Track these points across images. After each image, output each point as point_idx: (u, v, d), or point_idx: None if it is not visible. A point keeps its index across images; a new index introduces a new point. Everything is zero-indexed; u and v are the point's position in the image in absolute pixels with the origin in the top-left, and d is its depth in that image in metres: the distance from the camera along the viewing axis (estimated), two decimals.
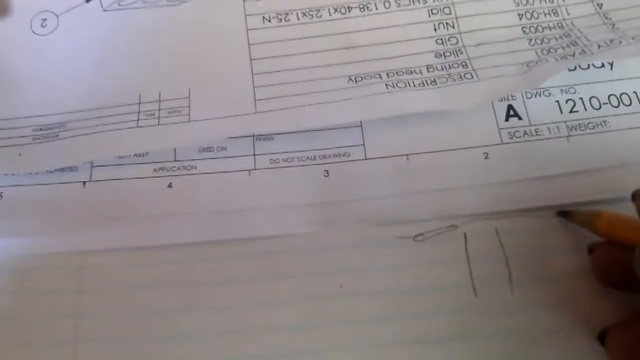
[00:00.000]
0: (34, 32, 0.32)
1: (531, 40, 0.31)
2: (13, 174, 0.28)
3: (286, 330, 0.25)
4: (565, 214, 0.26)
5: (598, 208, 0.25)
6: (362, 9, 0.32)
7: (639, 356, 0.22)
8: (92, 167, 0.29)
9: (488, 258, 0.26)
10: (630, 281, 0.21)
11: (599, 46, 0.29)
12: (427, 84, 0.29)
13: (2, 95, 0.31)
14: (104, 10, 0.32)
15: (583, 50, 0.30)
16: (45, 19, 0.32)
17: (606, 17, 0.32)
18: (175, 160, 0.29)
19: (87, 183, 0.29)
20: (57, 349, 0.25)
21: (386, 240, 0.27)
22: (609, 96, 0.30)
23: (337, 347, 0.25)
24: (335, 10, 0.32)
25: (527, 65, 0.30)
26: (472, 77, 0.29)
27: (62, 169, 0.29)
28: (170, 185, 0.28)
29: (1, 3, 0.31)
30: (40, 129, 0.30)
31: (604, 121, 0.29)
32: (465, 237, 0.27)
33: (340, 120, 0.29)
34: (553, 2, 0.32)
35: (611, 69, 0.30)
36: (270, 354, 0.25)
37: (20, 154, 0.29)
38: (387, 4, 0.32)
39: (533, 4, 0.32)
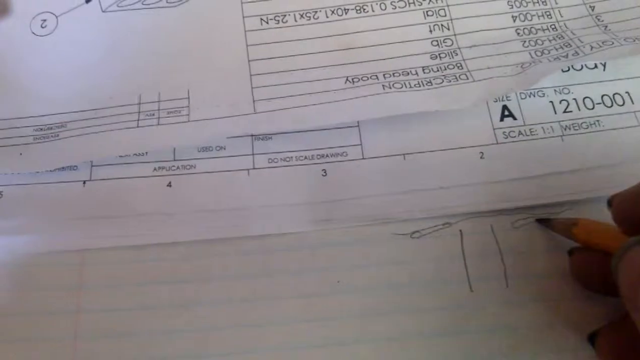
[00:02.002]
0: (33, 33, 0.32)
1: (525, 42, 0.32)
2: (14, 173, 0.29)
3: (285, 325, 0.26)
4: (544, 221, 0.27)
5: (576, 216, 0.26)
6: (359, 11, 0.33)
7: (627, 358, 0.22)
8: (92, 166, 0.29)
9: (483, 254, 0.27)
10: (607, 285, 0.21)
11: (592, 47, 0.30)
12: (423, 85, 0.30)
13: (3, 95, 0.31)
14: (103, 11, 0.32)
15: (576, 52, 0.30)
16: (45, 20, 0.32)
17: (598, 19, 0.32)
18: (175, 160, 0.29)
19: (87, 182, 0.29)
20: (58, 343, 0.25)
21: (383, 237, 0.27)
22: (602, 96, 0.30)
23: (334, 342, 0.25)
24: (332, 12, 0.33)
25: (521, 67, 0.30)
26: (467, 78, 0.30)
27: (63, 168, 0.29)
28: (169, 185, 0.29)
29: (1, 3, 0.31)
30: (41, 129, 0.30)
31: (598, 121, 0.30)
32: (461, 234, 0.27)
33: (337, 120, 0.29)
34: (546, 4, 0.33)
35: (604, 69, 0.31)
36: (270, 348, 0.25)
37: (21, 154, 0.29)
38: (383, 6, 0.33)
39: (527, 6, 0.33)
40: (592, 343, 0.24)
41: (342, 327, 0.26)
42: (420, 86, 0.30)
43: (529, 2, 0.33)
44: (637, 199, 0.22)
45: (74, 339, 0.25)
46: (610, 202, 0.23)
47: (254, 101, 0.30)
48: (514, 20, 0.32)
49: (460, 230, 0.27)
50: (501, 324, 0.25)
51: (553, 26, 0.32)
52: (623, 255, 0.20)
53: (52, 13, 0.32)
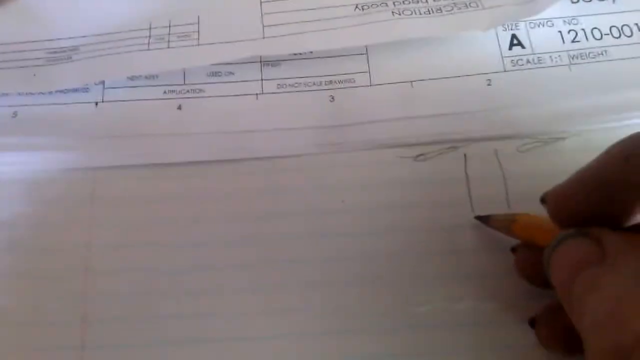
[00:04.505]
0: None
1: None
2: (27, 94, 0.29)
3: (290, 240, 0.26)
4: (482, 218, 0.26)
5: (513, 212, 0.26)
6: None
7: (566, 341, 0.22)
8: (104, 88, 0.30)
9: (486, 177, 0.27)
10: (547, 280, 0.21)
11: None
12: (433, 12, 0.30)
13: (17, 19, 0.31)
14: None
15: None
16: None
17: None
18: (185, 84, 0.30)
19: (99, 103, 0.29)
20: (70, 255, 0.26)
21: (388, 160, 0.28)
22: (610, 27, 0.30)
23: (337, 258, 0.26)
24: None
25: None
26: (477, 6, 0.30)
27: (75, 90, 0.29)
28: (179, 107, 0.29)
29: None
30: (54, 52, 0.30)
31: (605, 51, 0.30)
32: (465, 158, 0.28)
33: (346, 43, 0.29)
34: None
35: (613, 1, 0.31)
36: (274, 261, 0.26)
37: (34, 75, 0.29)
38: None
39: None
40: (533, 326, 0.23)
41: (346, 243, 0.26)
42: (430, 13, 0.30)
43: None
44: (569, 196, 0.21)
45: (87, 249, 0.26)
46: (543, 200, 0.22)
47: (263, 27, 0.30)
48: None
49: (465, 154, 0.28)
50: (502, 244, 0.26)
51: None
52: (553, 250, 0.20)
53: None
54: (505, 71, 0.29)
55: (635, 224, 0.21)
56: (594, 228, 0.20)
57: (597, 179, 0.20)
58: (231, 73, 0.30)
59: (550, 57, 0.30)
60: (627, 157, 0.19)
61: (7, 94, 0.29)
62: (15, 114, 0.29)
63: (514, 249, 0.25)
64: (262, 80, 0.30)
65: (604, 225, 0.20)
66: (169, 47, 0.30)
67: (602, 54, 0.30)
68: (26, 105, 0.29)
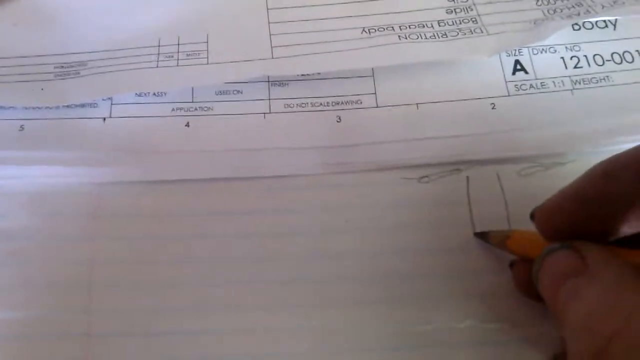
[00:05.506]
0: None
1: (538, 0, 0.32)
2: (35, 108, 0.29)
3: (293, 260, 0.26)
4: (481, 235, 0.27)
5: (510, 229, 0.26)
6: None
7: None
8: (112, 104, 0.30)
9: (488, 200, 0.27)
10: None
11: (603, 6, 0.31)
12: (438, 37, 0.31)
13: (26, 33, 0.32)
14: None
15: (587, 10, 0.31)
16: None
17: None
18: (193, 102, 0.30)
19: (107, 119, 0.30)
20: (74, 268, 0.26)
21: (392, 181, 0.28)
22: (612, 54, 0.31)
23: (339, 278, 0.26)
24: None
25: (534, 23, 0.31)
26: (482, 32, 0.31)
27: (83, 105, 0.30)
28: (187, 125, 0.29)
29: None
30: (62, 66, 0.31)
31: (607, 76, 0.30)
32: (468, 180, 0.28)
33: (353, 65, 0.30)
34: None
35: (614, 29, 0.32)
36: (278, 279, 0.26)
37: (42, 89, 0.30)
38: None
39: None
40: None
41: (348, 263, 0.26)
42: (435, 38, 0.30)
43: None
44: (554, 212, 0.22)
45: (90, 263, 0.26)
46: (532, 215, 0.23)
47: (272, 47, 0.31)
48: None
49: (467, 177, 0.28)
50: (504, 263, 0.26)
51: None
52: (541, 263, 0.21)
53: None
54: (509, 95, 0.30)
55: (620, 238, 0.21)
56: (578, 241, 0.21)
57: (579, 196, 0.21)
58: (239, 92, 0.30)
59: (553, 82, 0.30)
60: (606, 175, 0.21)
61: (14, 108, 0.29)
62: (22, 128, 0.29)
63: (511, 264, 0.26)
64: (269, 99, 0.30)
65: (590, 240, 0.21)
66: (178, 65, 0.30)
67: (604, 79, 0.30)
68: (33, 119, 0.29)
